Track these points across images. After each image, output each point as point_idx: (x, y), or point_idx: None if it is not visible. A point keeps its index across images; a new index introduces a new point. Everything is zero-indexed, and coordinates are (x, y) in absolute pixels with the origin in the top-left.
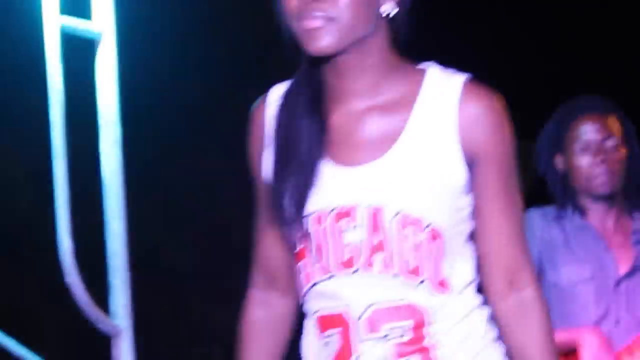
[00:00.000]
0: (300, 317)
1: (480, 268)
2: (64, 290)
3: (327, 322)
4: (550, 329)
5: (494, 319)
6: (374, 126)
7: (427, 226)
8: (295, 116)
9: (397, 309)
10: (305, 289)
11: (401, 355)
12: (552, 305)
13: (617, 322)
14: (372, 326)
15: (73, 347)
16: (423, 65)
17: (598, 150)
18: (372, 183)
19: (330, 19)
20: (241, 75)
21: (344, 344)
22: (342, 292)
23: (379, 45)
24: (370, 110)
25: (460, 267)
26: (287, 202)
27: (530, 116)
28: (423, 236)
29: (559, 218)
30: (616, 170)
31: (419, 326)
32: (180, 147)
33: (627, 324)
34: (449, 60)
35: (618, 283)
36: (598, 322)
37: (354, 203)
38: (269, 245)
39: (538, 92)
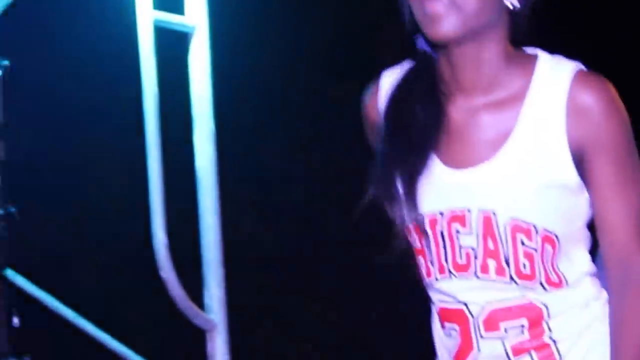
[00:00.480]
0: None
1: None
2: (159, 284)
3: (447, 316)
4: None
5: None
6: (485, 125)
7: (540, 231)
8: (412, 104)
9: (515, 307)
10: (425, 281)
11: (521, 352)
12: None
13: None
14: (491, 324)
15: (167, 341)
16: (533, 51)
17: None
18: (482, 187)
19: (455, 6)
20: (333, 67)
21: (464, 339)
22: (459, 292)
23: (498, 37)
24: (483, 107)
25: (577, 260)
26: (401, 198)
27: None
28: (536, 241)
29: None
30: None
31: (537, 323)
32: (274, 139)
33: None
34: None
35: None
36: None
37: (465, 207)
38: None
39: None
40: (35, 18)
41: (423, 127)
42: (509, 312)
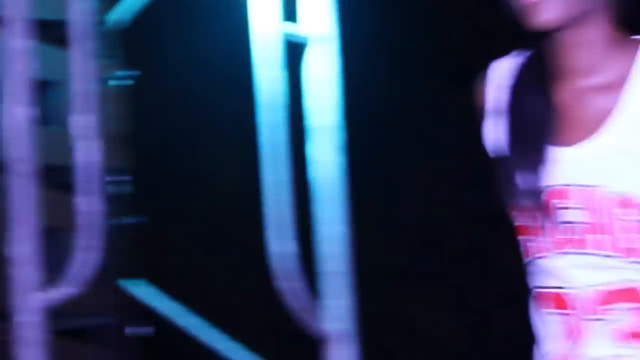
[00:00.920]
0: None
1: None
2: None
3: (548, 299)
4: None
5: None
6: (588, 105)
7: None
8: (526, 93)
9: (619, 291)
10: (532, 262)
11: (628, 337)
12: None
13: None
14: (593, 308)
15: (289, 351)
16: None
17: None
18: (584, 163)
19: None
20: (458, 75)
21: (567, 323)
22: (561, 271)
23: (600, 21)
24: (586, 89)
25: None
26: (521, 180)
27: None
28: (636, 216)
29: None
30: None
31: None
32: (398, 148)
33: None
34: None
35: None
36: None
37: (567, 183)
38: None
39: None
40: (162, 28)
41: (538, 113)
42: (613, 296)
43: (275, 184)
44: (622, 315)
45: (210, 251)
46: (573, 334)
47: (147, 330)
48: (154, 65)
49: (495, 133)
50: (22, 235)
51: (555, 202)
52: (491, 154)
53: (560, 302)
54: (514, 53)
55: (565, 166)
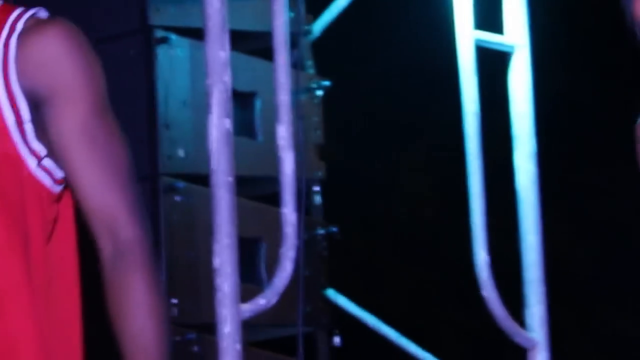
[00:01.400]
0: None
1: None
2: (477, 302)
3: None
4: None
5: None
6: None
7: None
8: None
9: None
10: None
11: None
12: None
13: None
14: None
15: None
16: None
17: None
18: None
19: None
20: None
21: None
22: None
23: None
24: None
25: None
26: None
27: None
28: None
29: None
30: None
31: None
32: (588, 154)
33: None
34: None
35: None
36: None
37: None
38: None
39: None
40: (352, 38)
41: None
42: None
43: (476, 192)
44: None
45: (400, 259)
46: None
47: (339, 339)
48: (345, 76)
49: None
50: (223, 247)
51: None
52: None
53: None
54: None
55: None
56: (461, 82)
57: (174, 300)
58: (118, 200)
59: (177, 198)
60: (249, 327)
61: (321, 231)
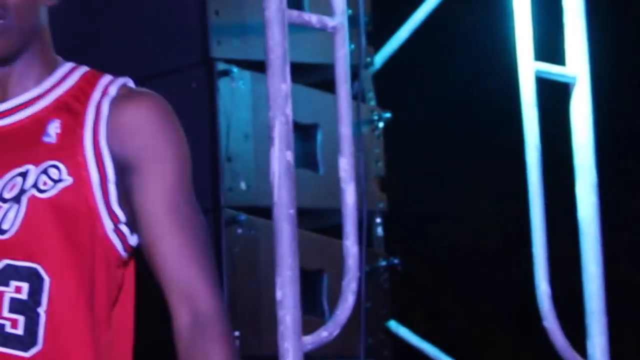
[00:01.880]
0: None
1: None
2: (539, 333)
3: None
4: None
5: None
6: None
7: None
8: None
9: None
10: None
11: None
12: None
13: None
14: None
15: None
16: None
17: None
18: None
19: None
20: None
21: None
22: None
23: None
24: None
25: None
26: None
27: None
28: None
29: None
30: None
31: None
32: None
33: None
34: None
35: None
36: None
37: None
38: None
39: None
40: (413, 69)
41: None
42: None
43: (537, 224)
44: None
45: (462, 290)
46: None
47: None
48: (406, 107)
49: None
50: (285, 279)
51: None
52: None
53: None
54: None
55: None
56: (522, 113)
57: (236, 333)
58: (197, 271)
59: (239, 230)
60: (311, 359)
61: (383, 263)
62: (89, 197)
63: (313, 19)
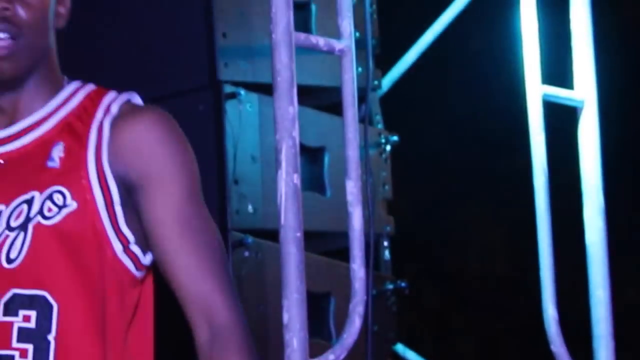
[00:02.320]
0: None
1: None
2: (546, 357)
3: None
4: None
5: None
6: None
7: None
8: None
9: None
10: None
11: None
12: None
13: None
14: None
15: None
16: None
17: None
18: None
19: None
20: None
21: None
22: None
23: None
24: None
25: None
26: None
27: None
28: None
29: None
30: None
31: None
32: None
33: None
34: None
35: None
36: None
37: None
38: None
39: None
40: (421, 92)
41: None
42: None
43: (545, 248)
44: None
45: (469, 313)
46: None
47: None
48: (413, 131)
49: None
50: (292, 302)
51: None
52: None
53: None
54: None
55: None
56: (530, 136)
57: None
58: (213, 285)
59: (246, 253)
60: None
61: (390, 286)
62: (96, 221)
63: (320, 41)
